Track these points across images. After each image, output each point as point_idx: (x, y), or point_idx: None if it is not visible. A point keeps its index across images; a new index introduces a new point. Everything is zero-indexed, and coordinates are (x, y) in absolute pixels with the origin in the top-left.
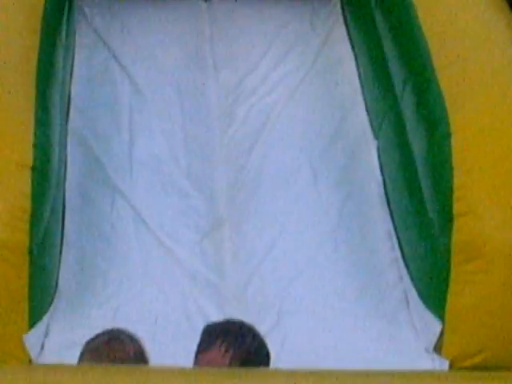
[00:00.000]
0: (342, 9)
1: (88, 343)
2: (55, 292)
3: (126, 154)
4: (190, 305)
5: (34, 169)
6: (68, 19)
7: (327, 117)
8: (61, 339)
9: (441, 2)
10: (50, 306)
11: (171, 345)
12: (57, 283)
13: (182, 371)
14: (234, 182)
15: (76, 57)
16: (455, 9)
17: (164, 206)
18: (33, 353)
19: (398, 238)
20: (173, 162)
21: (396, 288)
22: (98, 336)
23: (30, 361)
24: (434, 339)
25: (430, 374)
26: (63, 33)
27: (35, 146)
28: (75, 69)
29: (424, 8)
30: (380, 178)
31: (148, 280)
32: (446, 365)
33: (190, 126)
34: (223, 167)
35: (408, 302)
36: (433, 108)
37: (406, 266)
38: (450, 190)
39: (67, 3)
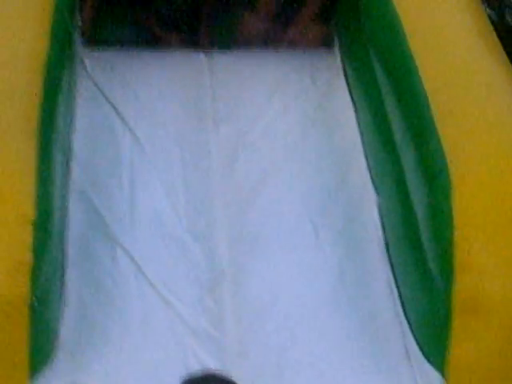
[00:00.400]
0: (342, 61)
1: None
2: (56, 346)
3: (127, 207)
4: (191, 359)
5: (34, 223)
6: (69, 72)
7: (328, 171)
8: None
9: (440, 53)
10: (50, 360)
11: None
12: (57, 337)
13: None
14: (235, 236)
15: (77, 110)
16: (455, 60)
17: (165, 260)
18: None
19: (399, 292)
20: (174, 215)
21: (397, 342)
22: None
23: None
24: None
25: None
26: (64, 86)
27: (36, 199)
28: (76, 122)
29: (423, 60)
30: (381, 233)
31: (149, 335)
32: None
33: (190, 180)
34: (224, 221)
35: (409, 357)
36: (432, 160)
37: (408, 320)
38: (451, 243)
39: (68, 56)
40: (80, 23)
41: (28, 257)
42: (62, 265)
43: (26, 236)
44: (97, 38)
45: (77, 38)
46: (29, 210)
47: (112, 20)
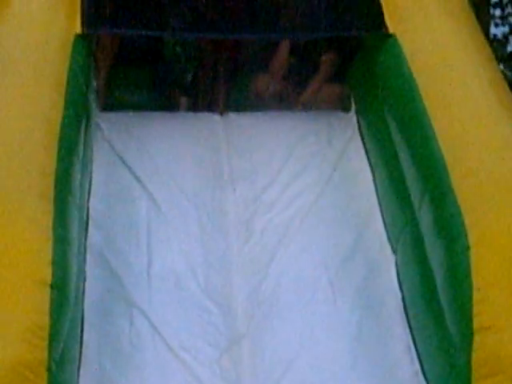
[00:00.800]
0: (358, 122)
1: None
2: None
3: (145, 269)
4: None
5: (52, 286)
6: (85, 135)
7: (345, 231)
8: None
9: (456, 114)
10: None
11: None
12: None
13: None
14: (253, 297)
15: (94, 173)
16: (470, 119)
17: (182, 322)
18: None
19: (417, 352)
20: (191, 277)
21: None
22: None
23: None
24: None
25: None
26: (80, 149)
27: (53, 263)
28: (93, 185)
29: (439, 121)
30: (399, 293)
31: None
32: None
33: (207, 241)
34: (241, 282)
35: None
36: (451, 221)
37: (426, 379)
38: (470, 304)
39: (84, 120)
40: (96, 87)
41: (45, 320)
42: (80, 327)
43: (43, 299)
44: (113, 102)
45: (93, 101)
46: (46, 273)
47: (127, 84)
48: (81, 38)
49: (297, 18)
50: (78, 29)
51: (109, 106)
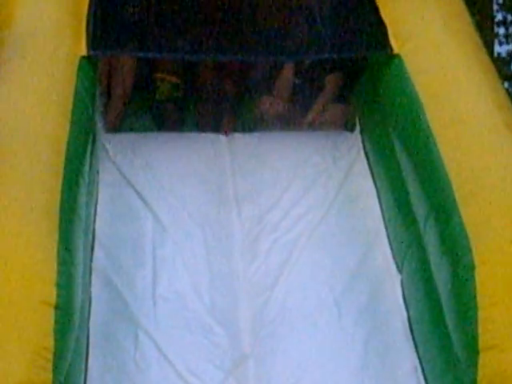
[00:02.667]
0: (363, 142)
1: None
2: None
3: (150, 290)
4: None
5: (57, 307)
6: (91, 157)
7: (350, 251)
8: None
9: (461, 134)
10: None
11: None
12: None
13: None
14: (258, 318)
15: (99, 194)
16: (474, 138)
17: (188, 343)
18: None
19: (423, 371)
20: (196, 297)
21: None
22: None
23: None
24: None
25: None
26: (86, 170)
27: (58, 284)
28: (99, 206)
29: (444, 141)
30: (404, 312)
31: None
32: None
33: (213, 262)
34: (247, 303)
35: None
36: (456, 241)
37: None
38: (476, 323)
39: (90, 141)
40: (102, 109)
41: (50, 341)
42: (86, 349)
43: (48, 320)
44: (118, 124)
45: (98, 123)
46: (50, 294)
47: (133, 107)
48: (86, 60)
49: (302, 40)
50: (84, 51)
51: (115, 127)
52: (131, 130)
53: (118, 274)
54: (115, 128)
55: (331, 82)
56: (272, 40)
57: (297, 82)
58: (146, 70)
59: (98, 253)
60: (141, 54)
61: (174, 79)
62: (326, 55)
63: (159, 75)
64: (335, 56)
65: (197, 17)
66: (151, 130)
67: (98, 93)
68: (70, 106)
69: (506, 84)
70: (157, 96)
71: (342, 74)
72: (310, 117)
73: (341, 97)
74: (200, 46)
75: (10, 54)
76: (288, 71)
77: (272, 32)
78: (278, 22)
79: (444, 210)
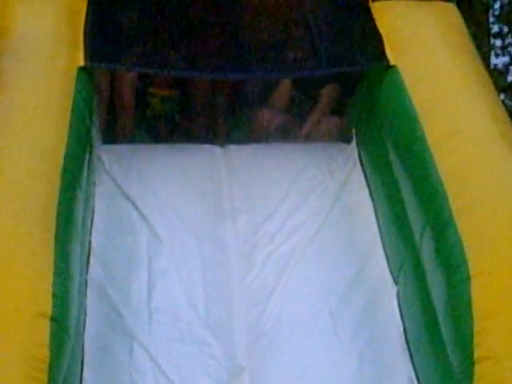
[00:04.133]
0: (359, 153)
1: None
2: None
3: (145, 302)
4: None
5: (52, 319)
6: (87, 168)
7: (346, 263)
8: None
9: (457, 145)
10: None
11: None
12: None
13: None
14: (253, 330)
15: (96, 206)
16: (470, 150)
17: (183, 355)
18: None
19: (419, 383)
20: (191, 309)
21: None
22: None
23: None
24: None
25: None
26: (82, 181)
27: (54, 295)
28: (95, 218)
29: (439, 151)
30: (400, 324)
31: None
32: None
33: (208, 273)
34: (242, 315)
35: None
36: (451, 252)
37: None
38: (471, 334)
39: (87, 152)
40: (98, 121)
41: (45, 353)
42: (81, 360)
43: (43, 332)
44: (114, 136)
45: (95, 135)
46: (46, 305)
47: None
48: (84, 71)
49: (298, 56)
50: (81, 62)
51: (111, 139)
52: (128, 141)
53: (114, 285)
54: (124, 138)
55: (327, 93)
56: (268, 56)
57: (293, 93)
58: (139, 84)
59: (93, 264)
60: (137, 69)
61: (166, 92)
62: (324, 71)
63: (151, 90)
64: (332, 71)
65: (194, 32)
66: (146, 141)
67: (95, 104)
68: (68, 117)
69: (502, 96)
70: (148, 112)
71: (337, 86)
72: (306, 129)
73: (337, 108)
74: (196, 62)
75: (7, 65)
76: (285, 85)
77: (268, 48)
78: (274, 38)
79: (440, 221)
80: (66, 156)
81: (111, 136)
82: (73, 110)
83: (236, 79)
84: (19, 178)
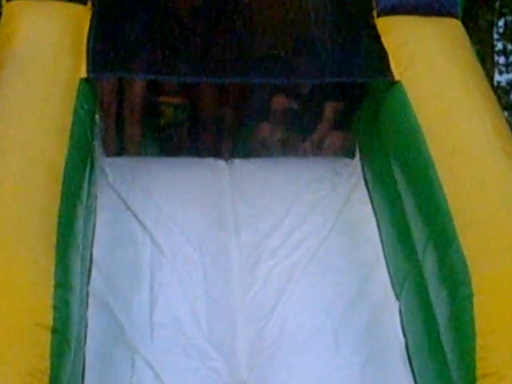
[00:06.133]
0: (362, 168)
1: None
2: None
3: (147, 315)
4: None
5: (53, 330)
6: (89, 180)
7: (348, 278)
8: None
9: (461, 161)
10: None
11: None
12: None
13: None
14: (256, 344)
15: (97, 218)
16: (474, 167)
17: (185, 369)
18: None
19: None
20: (194, 323)
21: None
22: None
23: None
24: None
25: None
26: (84, 194)
27: (55, 307)
28: (97, 230)
29: (443, 167)
30: (402, 340)
31: None
32: None
33: (211, 287)
34: (244, 329)
35: None
36: (454, 268)
37: None
38: (474, 351)
39: (89, 164)
40: (102, 133)
41: (46, 364)
42: (82, 373)
43: (44, 343)
44: (118, 148)
45: (98, 147)
46: (47, 317)
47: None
48: (86, 82)
49: (303, 65)
50: (84, 73)
51: (114, 152)
52: (133, 153)
53: (115, 298)
54: (131, 149)
55: (331, 109)
56: (273, 64)
57: (296, 107)
58: (148, 94)
59: (95, 277)
60: (141, 77)
61: (176, 100)
62: (327, 79)
63: (162, 99)
64: (336, 80)
65: (197, 39)
66: (154, 154)
67: (97, 115)
68: (69, 129)
69: (506, 113)
70: (162, 121)
71: (341, 101)
72: (309, 144)
73: (341, 123)
74: (200, 68)
75: (10, 75)
76: (282, 98)
77: (273, 56)
78: (279, 48)
79: (443, 238)
80: (67, 168)
81: (115, 148)
82: (74, 122)
83: (239, 91)
84: (19, 189)
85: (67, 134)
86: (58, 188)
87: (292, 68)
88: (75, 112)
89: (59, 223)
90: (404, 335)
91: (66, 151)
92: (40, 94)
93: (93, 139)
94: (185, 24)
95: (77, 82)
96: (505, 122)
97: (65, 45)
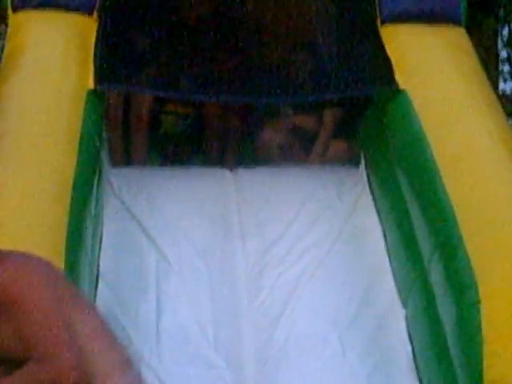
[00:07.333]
0: (368, 177)
1: None
2: None
3: (153, 324)
4: None
5: None
6: (96, 191)
7: (355, 286)
8: None
9: (465, 167)
10: None
11: None
12: None
13: None
14: (262, 353)
15: (104, 229)
16: (480, 174)
17: (191, 378)
18: None
19: None
20: (200, 332)
21: None
22: None
23: None
24: None
25: None
26: (91, 204)
27: None
28: (104, 240)
29: (449, 175)
30: (409, 347)
31: None
32: None
33: (217, 296)
34: (251, 337)
35: None
36: (461, 275)
37: None
38: (480, 357)
39: (97, 175)
40: (108, 144)
41: None
42: None
43: None
44: (125, 159)
45: (104, 157)
46: None
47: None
48: (93, 94)
49: (307, 79)
50: (91, 84)
51: (121, 162)
52: (139, 163)
53: (122, 308)
54: (137, 159)
55: (329, 116)
56: (276, 81)
57: (299, 116)
58: (154, 104)
59: (101, 286)
60: (147, 93)
61: (180, 109)
62: (332, 95)
63: (166, 108)
64: (340, 95)
65: (204, 53)
66: (159, 163)
67: (104, 126)
68: (77, 140)
69: (510, 121)
70: (160, 131)
71: (342, 109)
72: (313, 154)
73: (344, 131)
74: (205, 86)
75: (18, 86)
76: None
77: (276, 71)
78: (283, 62)
79: (449, 245)
80: (76, 178)
81: (121, 159)
82: (82, 133)
83: (245, 103)
84: (28, 200)
85: (75, 145)
86: (66, 198)
87: (297, 85)
88: (83, 123)
89: (68, 233)
90: (410, 342)
91: (75, 162)
92: (48, 106)
93: (100, 149)
94: (192, 35)
95: (84, 93)
96: (509, 129)
97: (71, 56)
